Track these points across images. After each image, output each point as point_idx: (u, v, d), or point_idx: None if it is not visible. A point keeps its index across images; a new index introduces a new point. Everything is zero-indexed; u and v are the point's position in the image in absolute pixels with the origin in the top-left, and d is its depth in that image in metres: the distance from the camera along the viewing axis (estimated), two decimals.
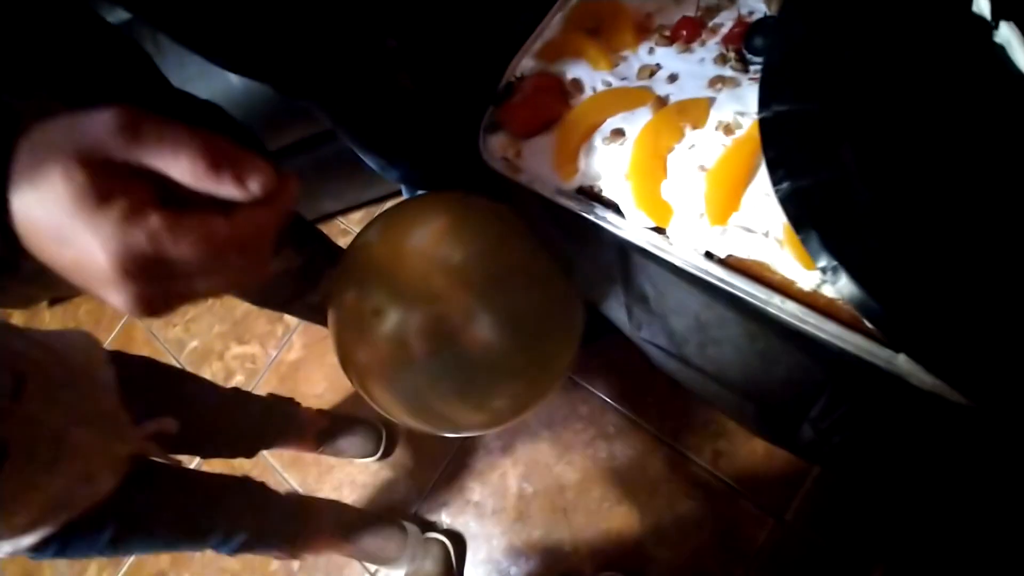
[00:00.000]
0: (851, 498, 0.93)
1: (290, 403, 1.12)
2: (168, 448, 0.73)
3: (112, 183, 0.25)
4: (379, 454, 1.23)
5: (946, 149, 0.31)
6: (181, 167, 0.26)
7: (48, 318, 1.71)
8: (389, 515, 1.15)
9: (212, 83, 0.98)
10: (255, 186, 0.27)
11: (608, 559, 1.05)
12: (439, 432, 0.83)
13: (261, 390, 1.41)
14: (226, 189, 0.26)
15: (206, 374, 1.49)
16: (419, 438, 1.24)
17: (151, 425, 0.70)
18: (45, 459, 0.57)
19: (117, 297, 0.27)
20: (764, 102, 0.34)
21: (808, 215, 0.32)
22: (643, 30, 0.52)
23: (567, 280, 0.70)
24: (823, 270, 0.32)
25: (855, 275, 0.30)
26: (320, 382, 1.36)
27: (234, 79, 0.98)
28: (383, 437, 1.24)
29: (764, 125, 0.33)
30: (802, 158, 0.32)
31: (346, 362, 0.73)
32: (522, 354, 0.73)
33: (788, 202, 0.32)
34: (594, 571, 1.04)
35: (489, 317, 0.70)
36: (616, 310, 0.68)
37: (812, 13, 0.34)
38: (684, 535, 1.02)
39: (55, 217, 0.25)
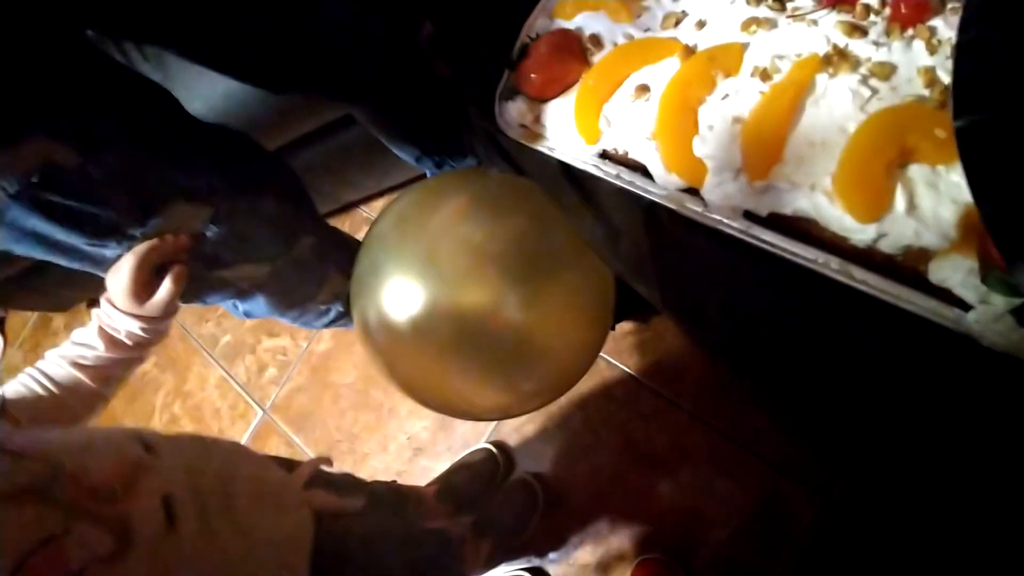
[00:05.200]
0: (903, 474, 0.88)
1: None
2: None
3: None
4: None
5: None
6: None
7: (88, 320, 1.75)
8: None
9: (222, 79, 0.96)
10: None
11: (649, 541, 1.02)
12: (468, 418, 0.81)
13: (294, 382, 1.42)
14: None
15: (239, 368, 1.51)
16: (452, 425, 1.23)
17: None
18: None
19: None
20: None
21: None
22: None
23: (595, 256, 0.67)
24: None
25: None
26: (351, 371, 1.36)
27: None
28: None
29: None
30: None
31: (371, 349, 0.71)
32: (550, 334, 0.70)
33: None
34: (636, 554, 1.02)
35: (515, 296, 0.67)
36: (647, 284, 0.65)
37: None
38: (726, 515, 0.99)
39: None
